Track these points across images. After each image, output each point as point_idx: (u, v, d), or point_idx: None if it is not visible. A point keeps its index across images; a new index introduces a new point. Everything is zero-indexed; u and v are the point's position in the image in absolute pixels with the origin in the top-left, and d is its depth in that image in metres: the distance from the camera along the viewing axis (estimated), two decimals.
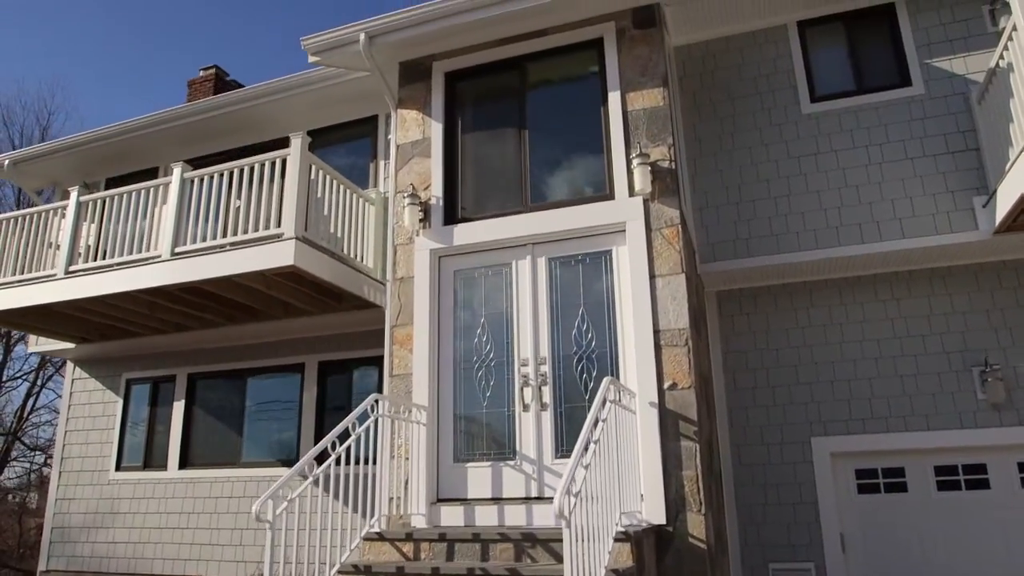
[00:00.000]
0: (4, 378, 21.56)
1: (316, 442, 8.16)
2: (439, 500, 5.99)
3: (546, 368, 6.00)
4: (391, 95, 7.36)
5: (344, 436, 5.17)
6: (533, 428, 5.92)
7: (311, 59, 7.26)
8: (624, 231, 6.02)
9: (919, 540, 6.32)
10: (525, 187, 6.57)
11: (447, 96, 7.04)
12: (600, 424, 4.44)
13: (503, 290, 6.36)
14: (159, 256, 7.26)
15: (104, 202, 7.90)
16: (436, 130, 6.92)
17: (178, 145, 9.78)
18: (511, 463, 5.92)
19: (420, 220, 6.63)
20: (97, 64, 39.36)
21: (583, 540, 3.84)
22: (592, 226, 6.12)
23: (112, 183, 10.17)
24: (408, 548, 5.20)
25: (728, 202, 7.06)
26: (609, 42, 6.52)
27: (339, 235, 7.42)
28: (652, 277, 5.80)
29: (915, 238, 6.42)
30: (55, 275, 7.82)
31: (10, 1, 32.11)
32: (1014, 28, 5.60)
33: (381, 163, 8.60)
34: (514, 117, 6.82)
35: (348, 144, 9.05)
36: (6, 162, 10.30)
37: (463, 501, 5.91)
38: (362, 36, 6.88)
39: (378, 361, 7.96)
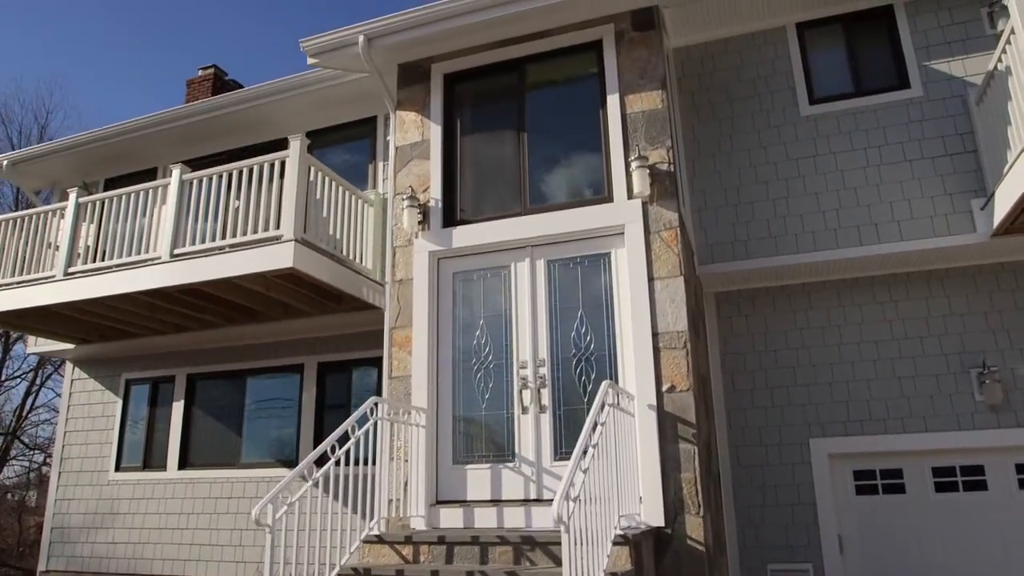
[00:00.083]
0: (3, 377, 21.60)
1: (316, 443, 8.18)
2: (438, 502, 6.00)
3: (545, 370, 6.01)
4: (390, 97, 7.36)
5: (343, 439, 5.19)
6: (532, 430, 5.93)
7: (310, 61, 7.27)
8: (623, 234, 6.03)
9: (917, 541, 6.34)
10: (524, 189, 6.58)
11: (446, 98, 7.04)
12: (599, 428, 4.46)
13: (502, 292, 6.36)
14: (158, 258, 7.27)
15: (103, 203, 7.90)
16: (435, 132, 6.92)
17: (177, 146, 9.78)
18: (510, 465, 5.94)
19: (419, 222, 6.63)
20: (96, 64, 39.37)
21: (582, 544, 3.86)
22: (591, 229, 6.12)
23: (111, 183, 10.18)
24: (407, 551, 5.22)
25: (727, 204, 7.08)
26: (608, 44, 6.52)
27: (338, 237, 7.43)
28: (651, 280, 5.81)
29: (913, 240, 6.44)
30: (54, 276, 7.82)
31: (10, 1, 32.08)
32: (1012, 31, 5.61)
33: (380, 164, 8.60)
34: (513, 119, 6.82)
35: (347, 145, 9.04)
36: (5, 162, 10.28)
37: (462, 503, 5.92)
38: (361, 38, 6.88)
39: (377, 362, 7.98)
